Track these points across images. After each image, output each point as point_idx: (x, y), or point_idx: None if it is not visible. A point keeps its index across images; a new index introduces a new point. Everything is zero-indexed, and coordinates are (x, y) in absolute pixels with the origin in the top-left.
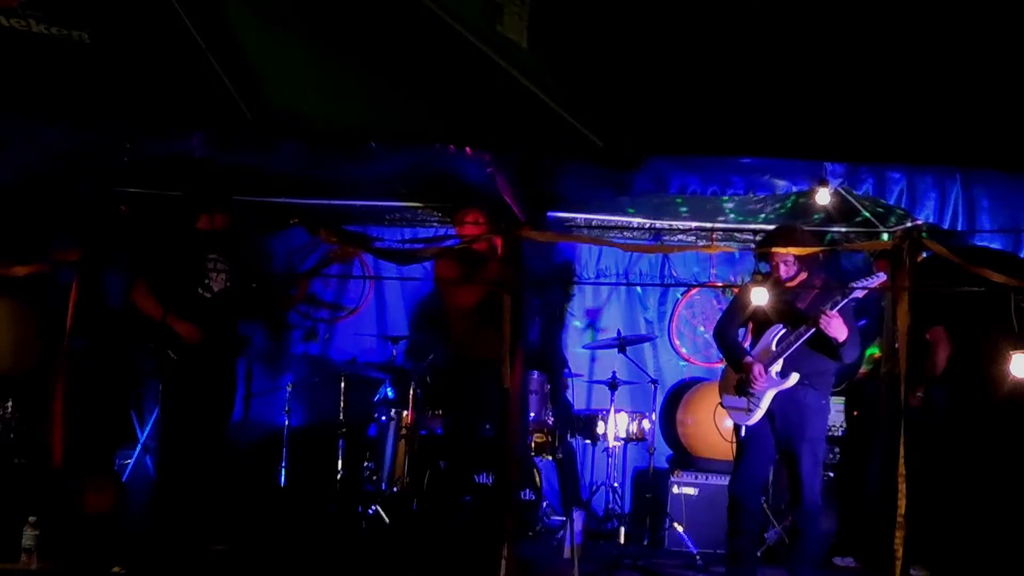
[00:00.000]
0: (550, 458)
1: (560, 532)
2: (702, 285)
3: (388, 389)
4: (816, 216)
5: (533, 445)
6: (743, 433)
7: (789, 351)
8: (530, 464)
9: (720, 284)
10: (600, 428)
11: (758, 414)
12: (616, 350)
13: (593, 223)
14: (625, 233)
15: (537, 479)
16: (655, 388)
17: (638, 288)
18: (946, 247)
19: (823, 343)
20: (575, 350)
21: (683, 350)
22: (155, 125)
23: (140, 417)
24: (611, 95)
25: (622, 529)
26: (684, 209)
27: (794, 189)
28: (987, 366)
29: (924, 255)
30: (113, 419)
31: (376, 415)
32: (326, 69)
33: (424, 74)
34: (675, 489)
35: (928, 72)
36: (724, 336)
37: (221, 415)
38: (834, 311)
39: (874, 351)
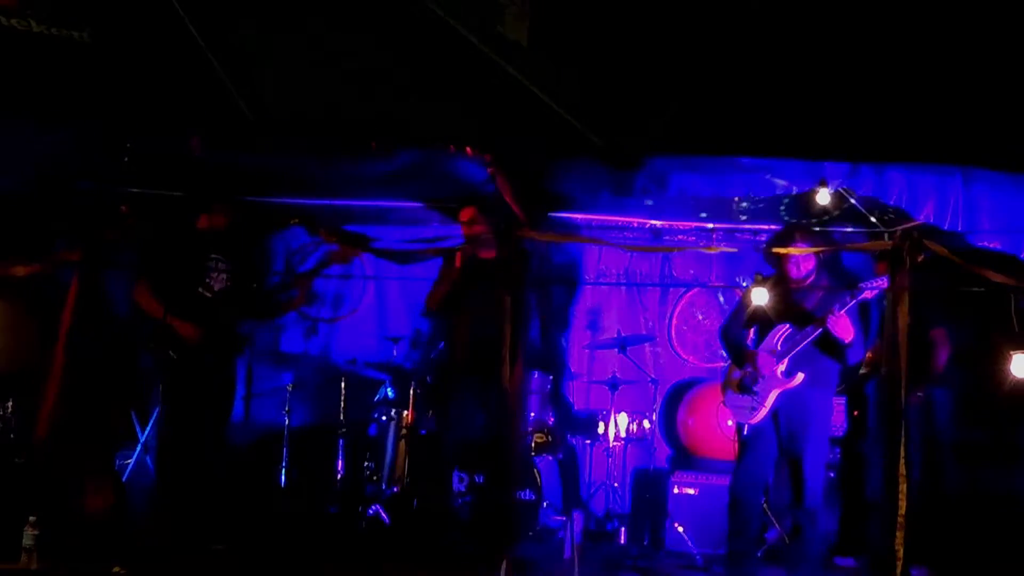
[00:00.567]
0: (551, 458)
1: (560, 532)
2: (703, 285)
3: (388, 389)
4: (825, 216)
5: (533, 445)
6: (746, 432)
7: (795, 351)
8: (530, 464)
9: (720, 284)
10: (600, 428)
11: (761, 412)
12: (616, 350)
13: (593, 223)
14: (625, 233)
15: (537, 479)
16: (655, 388)
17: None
18: (946, 247)
19: (829, 343)
20: (575, 350)
21: (683, 350)
22: (155, 125)
23: (140, 417)
24: (611, 95)
25: (622, 529)
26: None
27: (794, 189)
28: (987, 366)
29: (924, 255)
30: (113, 419)
31: (376, 415)
32: (327, 68)
33: (426, 73)
34: (675, 489)
35: (928, 72)
36: (729, 335)
37: (221, 415)
38: (842, 311)
39: None
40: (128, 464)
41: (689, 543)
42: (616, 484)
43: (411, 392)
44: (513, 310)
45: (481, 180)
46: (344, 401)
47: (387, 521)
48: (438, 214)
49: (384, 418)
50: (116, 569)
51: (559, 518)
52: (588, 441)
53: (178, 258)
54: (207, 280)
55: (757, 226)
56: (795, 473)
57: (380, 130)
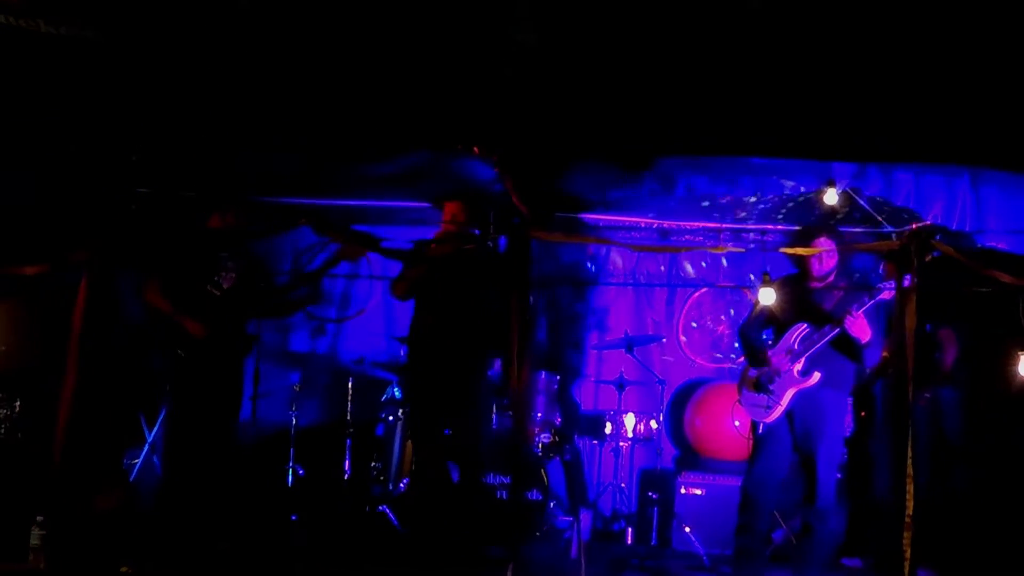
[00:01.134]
0: (558, 458)
1: (567, 532)
2: (710, 285)
3: (395, 389)
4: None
5: (541, 445)
6: (760, 430)
7: (812, 350)
8: (538, 464)
9: (728, 284)
10: (608, 428)
11: (777, 411)
12: (624, 350)
13: (601, 223)
14: (633, 233)
15: (545, 479)
16: (662, 388)
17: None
18: (954, 247)
19: (846, 344)
20: (583, 350)
21: (690, 350)
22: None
23: (148, 417)
24: (620, 95)
25: (629, 529)
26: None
27: (802, 189)
28: (995, 367)
29: (932, 256)
30: (121, 419)
31: (383, 415)
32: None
33: (432, 73)
34: (683, 489)
35: (935, 72)
36: (747, 335)
37: (229, 415)
38: (860, 312)
39: None
40: (136, 464)
41: (696, 544)
42: (623, 484)
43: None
44: (519, 310)
45: (488, 180)
46: (351, 401)
47: (394, 521)
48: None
49: (391, 418)
50: (123, 569)
51: (566, 518)
52: (595, 441)
53: (188, 257)
54: (216, 279)
55: (765, 226)
56: (809, 473)
57: (389, 130)
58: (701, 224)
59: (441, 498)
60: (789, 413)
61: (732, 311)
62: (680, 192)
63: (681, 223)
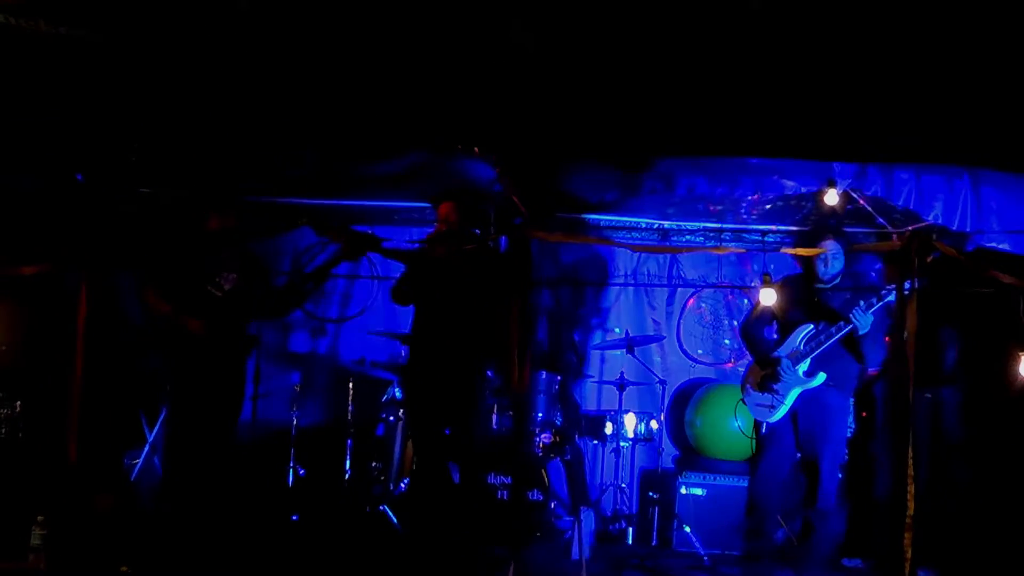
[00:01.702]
0: (558, 458)
1: (568, 533)
2: (710, 286)
3: (396, 389)
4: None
5: (541, 446)
6: (764, 430)
7: (819, 351)
8: (539, 464)
9: (729, 285)
10: (608, 428)
11: (781, 411)
12: (624, 351)
13: (601, 223)
14: (633, 234)
15: (545, 479)
16: (663, 389)
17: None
18: (954, 248)
19: (852, 344)
20: (584, 351)
21: (691, 350)
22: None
23: (148, 417)
24: (619, 95)
25: (630, 529)
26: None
27: (802, 190)
28: (995, 367)
29: (933, 256)
30: (121, 419)
31: (384, 415)
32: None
33: (431, 73)
34: (683, 490)
35: (936, 72)
36: (750, 334)
37: (229, 415)
38: (868, 312)
39: None
40: (136, 464)
41: (697, 544)
42: (624, 485)
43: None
44: (519, 310)
45: (488, 180)
46: (352, 401)
47: (395, 521)
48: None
49: (392, 418)
50: (123, 568)
51: (567, 518)
52: (596, 441)
53: (188, 258)
54: (217, 280)
55: (766, 227)
56: (812, 473)
57: (389, 130)
58: (702, 224)
59: (441, 498)
60: (793, 414)
61: (732, 311)
62: (680, 192)
63: (681, 223)
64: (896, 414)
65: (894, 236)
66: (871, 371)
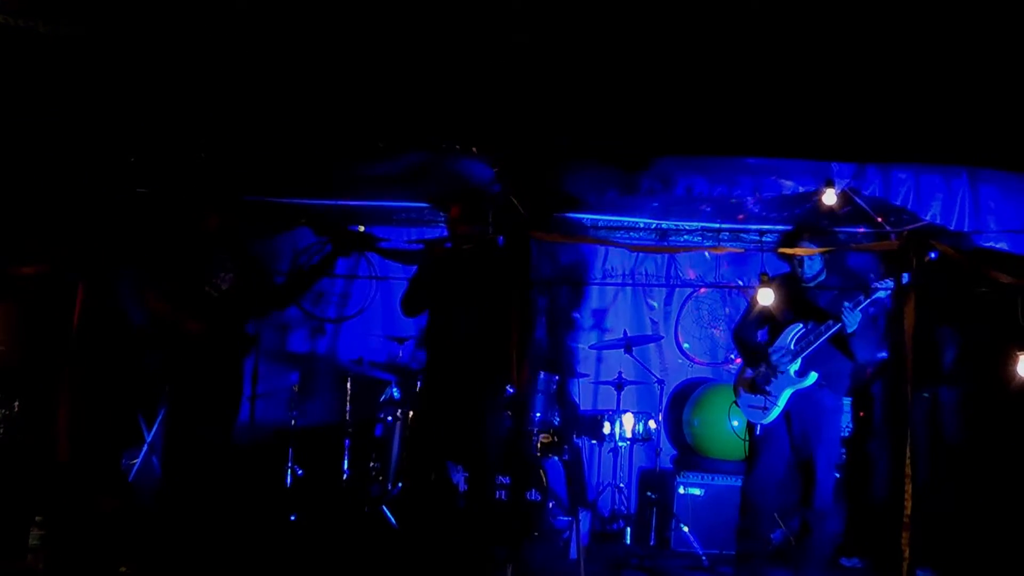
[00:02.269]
0: (556, 458)
1: (566, 532)
2: (708, 286)
3: (394, 389)
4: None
5: (539, 446)
6: (758, 432)
7: (809, 350)
8: (537, 464)
9: (726, 285)
10: (606, 428)
11: (774, 412)
12: (622, 351)
13: (600, 223)
14: (631, 234)
15: (544, 479)
16: (661, 388)
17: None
18: (953, 248)
19: (842, 343)
20: (581, 350)
21: (689, 350)
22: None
23: (147, 417)
24: (618, 95)
25: (628, 529)
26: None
27: (800, 189)
28: (994, 366)
29: (931, 256)
30: (120, 419)
31: (382, 415)
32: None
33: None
34: (681, 489)
35: (933, 72)
36: (742, 335)
37: (228, 415)
38: (856, 310)
39: None
40: (135, 464)
41: (695, 544)
42: (622, 485)
43: (417, 392)
44: (518, 310)
45: (488, 180)
46: (350, 401)
47: (392, 521)
48: (444, 215)
49: (390, 418)
50: (123, 569)
51: (565, 518)
52: (594, 441)
53: (186, 258)
54: (214, 280)
55: (763, 227)
56: (807, 473)
57: (388, 130)
58: (700, 224)
59: (441, 499)
60: (787, 414)
61: (730, 311)
62: (679, 192)
63: (680, 223)
64: (894, 414)
65: (892, 236)
66: (870, 371)
